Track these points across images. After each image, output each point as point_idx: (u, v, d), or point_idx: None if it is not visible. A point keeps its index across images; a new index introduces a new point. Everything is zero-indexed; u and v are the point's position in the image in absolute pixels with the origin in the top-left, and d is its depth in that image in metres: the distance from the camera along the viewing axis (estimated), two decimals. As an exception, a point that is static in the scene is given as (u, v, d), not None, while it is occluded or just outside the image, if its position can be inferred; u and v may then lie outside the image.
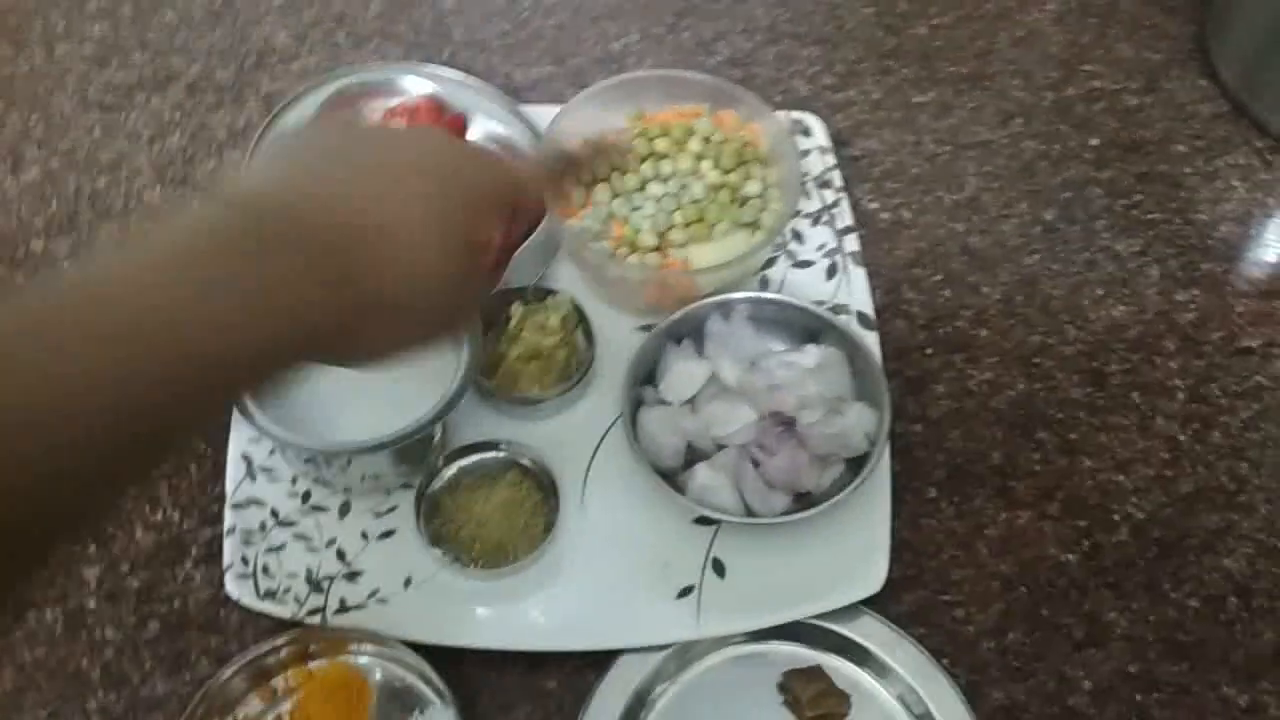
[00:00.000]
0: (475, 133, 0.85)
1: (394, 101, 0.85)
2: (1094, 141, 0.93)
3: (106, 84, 0.95)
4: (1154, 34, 1.00)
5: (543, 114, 0.84)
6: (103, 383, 0.37)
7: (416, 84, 0.85)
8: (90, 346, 0.37)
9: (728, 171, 0.79)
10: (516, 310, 0.76)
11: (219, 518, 0.72)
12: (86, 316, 0.38)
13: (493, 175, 0.52)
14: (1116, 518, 0.74)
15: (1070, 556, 0.73)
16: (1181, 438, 0.78)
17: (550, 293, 0.77)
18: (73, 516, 0.38)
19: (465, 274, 0.49)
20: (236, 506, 0.71)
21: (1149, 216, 0.88)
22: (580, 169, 0.71)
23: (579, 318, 0.77)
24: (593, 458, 0.75)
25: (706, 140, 0.79)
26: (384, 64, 0.89)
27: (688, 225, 0.77)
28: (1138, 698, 0.68)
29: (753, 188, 0.79)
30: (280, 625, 0.68)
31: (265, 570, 0.69)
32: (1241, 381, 0.80)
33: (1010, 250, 0.86)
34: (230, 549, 0.70)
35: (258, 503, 0.72)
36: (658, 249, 0.77)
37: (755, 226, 0.78)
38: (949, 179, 0.90)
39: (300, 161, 0.47)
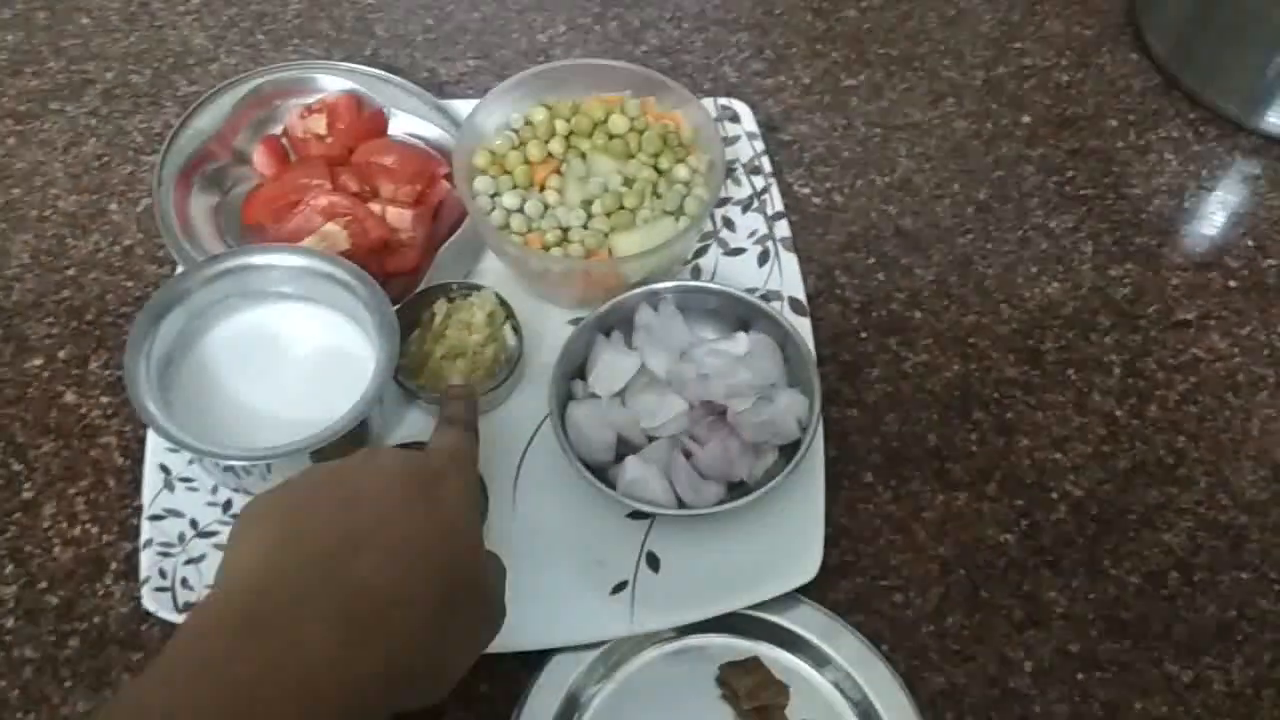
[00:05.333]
0: (395, 128, 0.84)
1: (311, 100, 0.83)
2: (1026, 119, 0.92)
3: (20, 92, 0.93)
4: (1084, 9, 1.00)
5: (466, 108, 0.82)
6: None
7: (333, 81, 0.84)
8: None
9: (651, 157, 0.77)
10: (440, 308, 0.74)
11: (139, 531, 0.69)
12: None
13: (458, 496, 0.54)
14: (1054, 496, 0.73)
15: (1008, 537, 0.72)
16: (1118, 413, 0.77)
17: (475, 288, 0.75)
18: None
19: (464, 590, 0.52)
20: (154, 518, 0.69)
21: (1082, 192, 0.88)
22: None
23: (506, 313, 0.75)
24: (524, 455, 0.73)
25: (629, 128, 0.78)
26: (300, 62, 0.87)
27: (609, 214, 0.75)
28: (1079, 677, 0.67)
29: (678, 174, 0.77)
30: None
31: (184, 583, 0.67)
32: (1177, 355, 0.80)
33: (943, 231, 0.85)
34: (147, 562, 0.68)
35: (176, 514, 0.69)
36: (580, 241, 0.75)
37: (680, 213, 0.76)
38: (881, 161, 0.89)
39: (272, 539, 0.49)
